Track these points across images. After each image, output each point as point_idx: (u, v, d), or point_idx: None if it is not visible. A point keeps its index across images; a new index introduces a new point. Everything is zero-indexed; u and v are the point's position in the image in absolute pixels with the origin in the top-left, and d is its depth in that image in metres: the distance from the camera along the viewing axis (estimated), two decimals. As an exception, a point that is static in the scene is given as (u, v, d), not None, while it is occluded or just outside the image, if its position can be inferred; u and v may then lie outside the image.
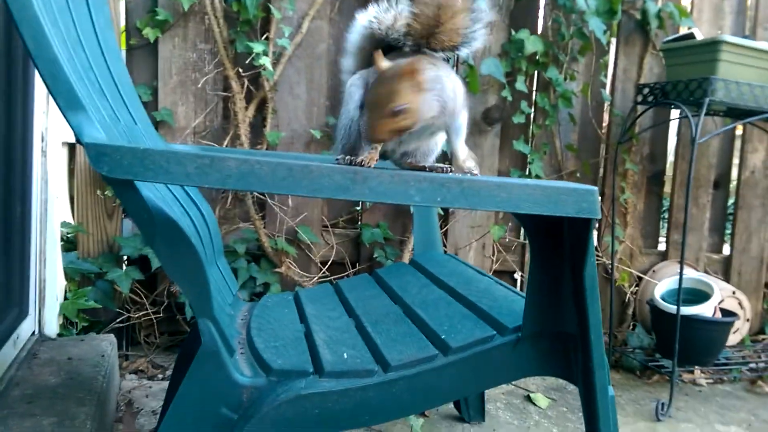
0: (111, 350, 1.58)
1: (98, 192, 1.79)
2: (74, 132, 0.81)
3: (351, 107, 1.04)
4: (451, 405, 1.77)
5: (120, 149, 0.78)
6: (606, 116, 2.35)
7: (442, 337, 1.00)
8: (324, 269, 2.03)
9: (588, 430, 1.01)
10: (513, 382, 2.01)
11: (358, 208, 2.13)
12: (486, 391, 1.73)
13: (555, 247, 0.95)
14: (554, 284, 0.96)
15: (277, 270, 1.94)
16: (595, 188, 0.83)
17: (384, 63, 0.96)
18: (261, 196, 1.96)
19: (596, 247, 2.32)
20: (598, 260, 2.30)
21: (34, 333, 1.59)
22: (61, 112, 0.81)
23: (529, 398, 1.90)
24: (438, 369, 0.96)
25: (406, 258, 2.08)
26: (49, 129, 1.59)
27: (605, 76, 2.29)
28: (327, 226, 2.06)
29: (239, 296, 1.43)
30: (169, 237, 0.87)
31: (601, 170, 2.34)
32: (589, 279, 0.87)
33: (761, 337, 2.53)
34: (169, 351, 1.95)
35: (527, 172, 2.22)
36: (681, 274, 1.85)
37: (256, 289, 1.94)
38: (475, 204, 0.80)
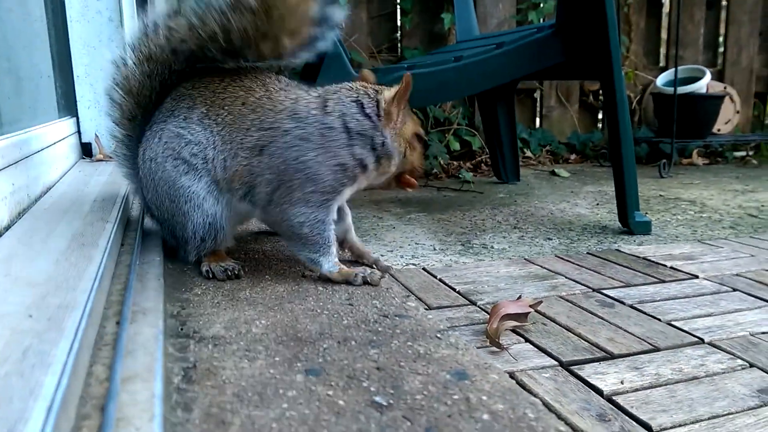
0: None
1: None
2: None
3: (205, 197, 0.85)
4: (493, 175, 2.18)
5: None
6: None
7: (498, 39, 1.38)
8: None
9: (609, 122, 1.40)
10: (538, 167, 2.42)
11: (397, 35, 2.47)
12: (519, 169, 2.12)
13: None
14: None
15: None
16: None
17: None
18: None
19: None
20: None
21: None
22: None
23: (553, 172, 2.30)
24: (496, 56, 1.34)
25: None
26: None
27: None
28: (373, 53, 2.42)
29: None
30: None
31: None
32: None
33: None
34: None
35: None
36: (676, 59, 2.20)
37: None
38: None
